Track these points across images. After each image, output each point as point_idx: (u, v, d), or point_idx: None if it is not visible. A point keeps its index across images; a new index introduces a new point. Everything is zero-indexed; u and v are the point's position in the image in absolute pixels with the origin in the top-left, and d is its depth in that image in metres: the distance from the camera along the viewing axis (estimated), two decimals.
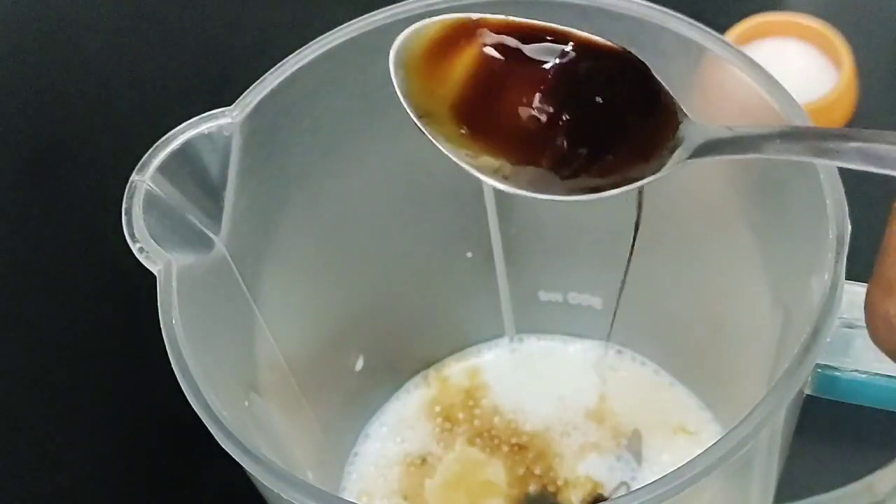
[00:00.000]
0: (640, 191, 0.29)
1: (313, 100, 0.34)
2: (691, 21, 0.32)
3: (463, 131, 0.29)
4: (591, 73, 0.29)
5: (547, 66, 0.29)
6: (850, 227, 0.28)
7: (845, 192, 0.28)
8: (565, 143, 0.28)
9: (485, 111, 0.29)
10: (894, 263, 0.23)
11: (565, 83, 0.29)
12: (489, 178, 0.28)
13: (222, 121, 0.32)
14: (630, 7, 0.32)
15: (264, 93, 0.32)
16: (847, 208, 0.28)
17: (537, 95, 0.29)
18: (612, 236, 0.39)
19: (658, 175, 0.28)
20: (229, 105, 0.32)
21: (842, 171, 0.28)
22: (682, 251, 0.38)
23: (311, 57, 0.33)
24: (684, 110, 0.28)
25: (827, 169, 0.28)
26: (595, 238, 0.40)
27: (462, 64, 0.29)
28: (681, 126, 0.28)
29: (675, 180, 0.36)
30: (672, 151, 0.28)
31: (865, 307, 0.24)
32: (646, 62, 0.29)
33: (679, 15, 0.32)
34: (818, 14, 0.52)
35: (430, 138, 0.28)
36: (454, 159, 0.28)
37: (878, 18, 0.56)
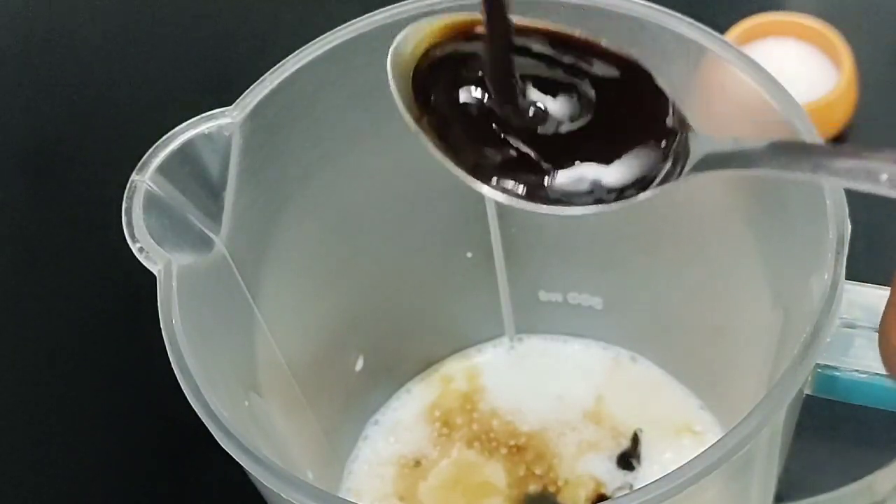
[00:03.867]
0: None
1: (313, 100, 0.34)
2: (691, 21, 0.32)
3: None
4: (594, 80, 0.28)
5: (547, 69, 0.28)
6: (850, 227, 0.28)
7: (845, 193, 0.28)
8: (564, 154, 0.27)
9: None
10: None
11: (566, 88, 0.28)
12: (485, 186, 0.27)
13: (222, 121, 0.32)
14: (630, 7, 0.32)
15: (264, 93, 0.32)
16: (847, 208, 0.28)
17: (537, 101, 0.28)
18: (612, 236, 0.39)
19: (660, 189, 0.27)
20: (229, 105, 0.32)
21: None
22: (681, 251, 0.38)
23: (311, 57, 0.33)
24: (689, 122, 0.27)
25: None
26: (595, 238, 0.40)
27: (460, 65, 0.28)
28: (687, 137, 0.27)
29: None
30: (675, 163, 0.27)
31: (879, 336, 0.23)
32: (651, 71, 0.28)
33: (679, 15, 0.32)
34: (818, 14, 0.52)
35: (429, 146, 0.27)
36: (451, 169, 0.27)
37: (878, 18, 0.56)
